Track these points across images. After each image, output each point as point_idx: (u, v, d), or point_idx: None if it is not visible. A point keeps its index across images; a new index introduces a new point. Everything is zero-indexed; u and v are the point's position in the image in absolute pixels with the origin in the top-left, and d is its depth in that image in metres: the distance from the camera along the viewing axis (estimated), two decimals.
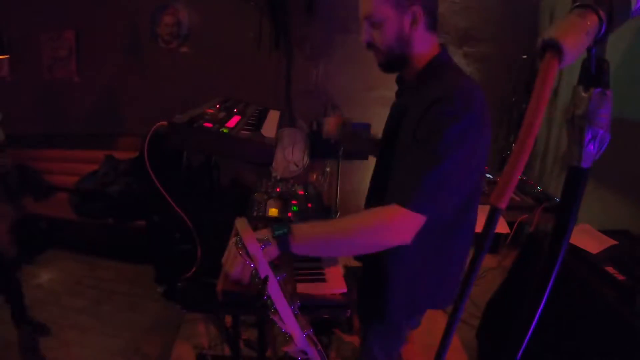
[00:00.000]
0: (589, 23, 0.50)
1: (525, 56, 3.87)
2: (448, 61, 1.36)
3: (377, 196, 1.55)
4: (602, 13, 0.50)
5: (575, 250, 2.11)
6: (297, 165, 3.21)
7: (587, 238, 2.23)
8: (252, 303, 0.91)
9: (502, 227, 2.77)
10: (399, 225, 1.13)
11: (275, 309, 0.83)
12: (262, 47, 4.07)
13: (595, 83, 0.55)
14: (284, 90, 4.14)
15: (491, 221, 0.57)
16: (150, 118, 1.40)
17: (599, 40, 0.53)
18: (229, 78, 3.96)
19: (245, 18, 4.01)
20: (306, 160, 3.36)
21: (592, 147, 0.56)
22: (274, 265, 1.02)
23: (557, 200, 3.02)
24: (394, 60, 1.34)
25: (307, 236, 1.17)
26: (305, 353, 0.89)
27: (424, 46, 1.31)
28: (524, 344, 0.65)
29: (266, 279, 0.80)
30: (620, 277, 1.88)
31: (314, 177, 3.78)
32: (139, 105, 4.23)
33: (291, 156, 3.27)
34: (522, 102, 3.99)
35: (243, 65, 4.05)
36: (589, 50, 0.54)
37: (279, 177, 2.41)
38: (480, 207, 1.39)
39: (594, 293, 1.87)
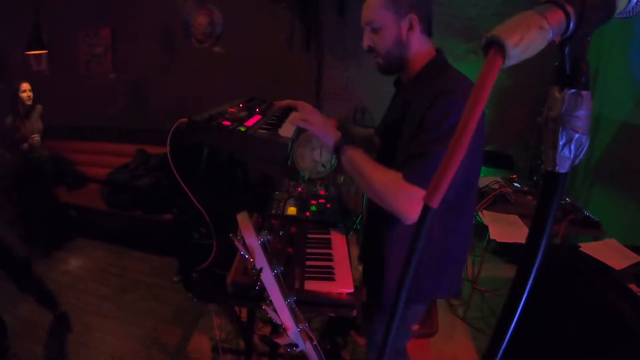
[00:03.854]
0: (548, 19, 0.48)
1: (557, 63, 3.77)
2: (445, 62, 1.46)
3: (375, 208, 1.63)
4: (570, 9, 0.48)
5: (599, 265, 2.06)
6: (324, 167, 3.22)
7: (611, 253, 2.17)
8: (245, 292, 0.93)
9: (524, 237, 2.72)
10: (411, 197, 1.22)
11: (270, 301, 0.85)
12: (294, 48, 4.11)
13: (570, 83, 0.53)
14: (314, 91, 4.16)
15: (422, 221, 0.56)
16: (182, 115, 1.45)
17: (570, 38, 0.51)
18: (260, 78, 4.01)
19: (277, 19, 4.06)
20: (334, 162, 3.37)
21: (567, 151, 0.54)
22: (283, 259, 1.04)
23: (586, 212, 2.95)
24: (393, 63, 1.46)
25: (354, 156, 1.38)
26: (296, 346, 0.90)
27: (420, 50, 1.43)
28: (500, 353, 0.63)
29: (260, 269, 0.82)
30: None
31: (342, 179, 3.79)
32: (171, 102, 4.34)
33: (319, 157, 3.28)
34: None
35: (274, 66, 4.09)
36: (560, 48, 0.52)
37: (307, 178, 2.44)
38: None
39: (611, 309, 1.82)
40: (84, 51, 4.49)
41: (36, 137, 3.61)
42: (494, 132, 3.99)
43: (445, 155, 0.50)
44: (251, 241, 0.81)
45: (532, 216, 0.58)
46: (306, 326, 0.88)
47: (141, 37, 4.35)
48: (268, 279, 0.82)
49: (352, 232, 3.94)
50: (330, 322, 2.62)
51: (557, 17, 0.49)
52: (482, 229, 2.93)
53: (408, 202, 1.22)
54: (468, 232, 1.57)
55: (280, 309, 0.84)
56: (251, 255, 0.81)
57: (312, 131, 1.47)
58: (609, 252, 2.15)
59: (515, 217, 2.96)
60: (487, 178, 3.36)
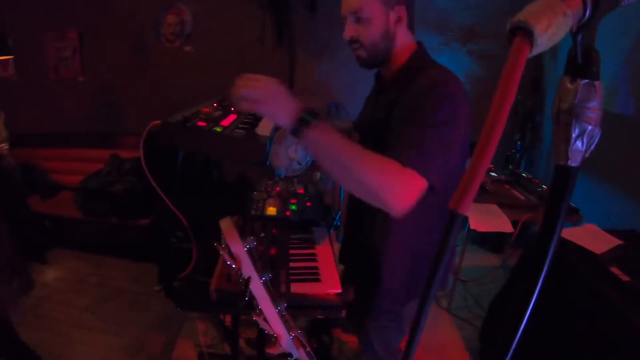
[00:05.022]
0: (568, 5, 0.46)
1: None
2: (427, 55, 1.43)
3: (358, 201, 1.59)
4: None
5: (580, 250, 2.08)
6: (300, 164, 3.18)
7: (592, 238, 2.20)
8: (235, 304, 0.90)
9: (505, 226, 2.75)
10: (409, 186, 1.13)
11: (260, 310, 0.82)
12: (265, 44, 4.07)
13: (582, 74, 0.51)
14: (287, 88, 4.12)
15: (450, 229, 0.52)
16: (154, 117, 1.39)
17: (584, 26, 0.49)
18: (232, 76, 3.93)
19: (248, 16, 4.01)
20: (309, 159, 3.34)
21: (580, 144, 0.52)
22: (266, 262, 1.01)
23: None
24: (376, 56, 1.39)
25: (324, 137, 1.14)
26: (290, 355, 0.87)
27: (403, 43, 1.39)
28: (514, 344, 0.62)
29: (249, 279, 0.79)
30: (625, 278, 1.84)
31: (318, 176, 3.77)
32: (143, 104, 4.25)
33: (294, 154, 3.25)
34: (527, 99, 3.95)
35: (246, 63, 4.02)
36: (574, 36, 0.50)
37: (282, 176, 2.40)
38: None
39: (597, 293, 1.84)
40: (52, 55, 4.35)
41: (5, 146, 3.48)
42: None
43: (474, 156, 0.47)
44: (237, 249, 0.78)
45: (544, 212, 0.56)
46: (299, 333, 0.85)
47: (109, 39, 4.23)
48: (257, 288, 0.78)
49: (332, 229, 3.92)
50: (314, 320, 2.60)
51: (576, 3, 0.47)
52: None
53: (405, 190, 1.13)
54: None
55: (272, 318, 0.81)
56: (238, 264, 0.78)
57: (255, 111, 1.17)
58: (588, 237, 2.18)
59: (494, 207, 2.98)
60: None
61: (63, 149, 4.35)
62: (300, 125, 1.12)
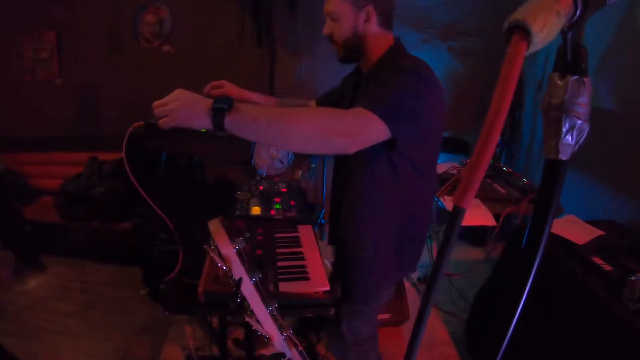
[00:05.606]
0: (561, 4, 0.48)
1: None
2: (403, 49, 1.52)
3: (339, 189, 1.70)
4: None
5: (562, 241, 2.12)
6: (282, 163, 3.19)
7: (573, 229, 2.24)
8: (225, 305, 0.89)
9: (488, 219, 2.78)
10: (360, 122, 1.21)
11: (252, 311, 0.82)
12: (245, 43, 4.04)
13: (572, 70, 0.53)
14: (268, 86, 4.11)
15: (454, 222, 0.53)
16: (135, 118, 1.38)
17: (574, 24, 0.51)
18: (212, 76, 3.90)
19: (227, 15, 3.98)
20: (291, 157, 3.34)
21: (569, 138, 0.54)
22: (251, 265, 1.01)
23: None
24: (350, 52, 1.51)
25: (245, 115, 1.14)
26: (284, 356, 0.87)
27: (377, 40, 1.49)
28: (507, 338, 0.63)
29: (240, 280, 0.78)
30: (607, 268, 1.88)
31: (299, 174, 3.77)
32: (123, 106, 4.18)
33: (276, 153, 3.24)
34: None
35: (225, 63, 4.01)
36: (564, 34, 0.52)
37: (264, 175, 2.40)
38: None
39: (580, 284, 1.88)
40: (29, 57, 4.25)
41: None
42: (448, 118, 4.04)
43: (475, 151, 0.49)
44: (227, 251, 0.78)
45: (534, 204, 0.57)
46: (290, 333, 0.85)
47: (88, 40, 4.15)
48: (248, 289, 0.78)
49: (317, 227, 3.93)
50: (301, 320, 2.60)
51: (568, 2, 0.49)
52: (445, 214, 2.98)
53: (368, 132, 1.22)
54: (428, 208, 1.63)
55: (264, 319, 0.81)
56: (228, 266, 0.78)
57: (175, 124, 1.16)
58: (570, 228, 2.22)
59: (477, 200, 3.01)
60: (445, 164, 3.41)
61: (41, 153, 4.26)
62: (217, 117, 1.11)
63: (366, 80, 1.54)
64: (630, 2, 2.57)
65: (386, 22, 1.49)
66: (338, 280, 1.69)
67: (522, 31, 0.46)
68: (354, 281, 1.63)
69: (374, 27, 1.47)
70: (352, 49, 1.50)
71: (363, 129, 1.21)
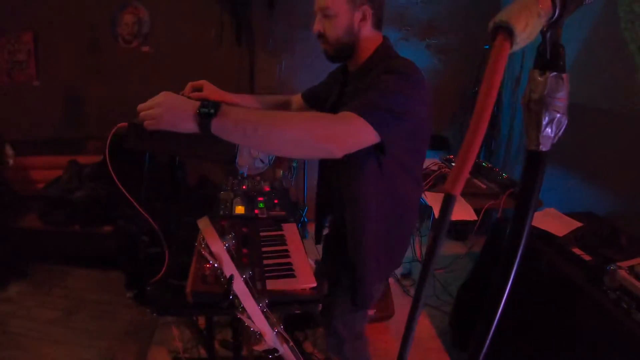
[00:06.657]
0: (541, 6, 0.51)
1: (488, 47, 3.93)
2: (391, 49, 1.52)
3: (325, 189, 1.73)
4: None
5: (542, 233, 2.17)
6: (263, 162, 3.18)
7: (553, 221, 2.29)
8: (219, 303, 0.90)
9: (469, 214, 2.82)
10: (348, 128, 1.21)
11: (243, 308, 0.82)
12: (224, 43, 4.03)
13: (550, 67, 0.56)
14: (248, 85, 4.10)
15: (446, 209, 0.56)
16: (114, 120, 1.36)
17: (553, 24, 0.54)
18: (192, 76, 3.87)
19: (206, 15, 3.96)
20: (272, 156, 3.34)
21: (549, 130, 0.57)
22: (241, 263, 1.02)
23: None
24: (341, 50, 1.49)
25: (232, 119, 1.12)
26: (276, 351, 0.88)
27: (369, 39, 1.48)
28: (492, 329, 0.65)
29: (231, 278, 0.79)
30: (587, 258, 1.94)
31: (281, 172, 3.77)
32: (102, 107, 4.14)
33: (257, 152, 3.24)
34: None
35: (205, 63, 3.99)
36: (543, 34, 0.55)
37: (245, 175, 2.40)
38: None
39: (562, 275, 1.93)
40: (5, 59, 4.16)
41: None
42: None
43: (464, 143, 0.50)
44: (217, 248, 0.78)
45: (517, 195, 0.60)
46: (282, 329, 0.87)
47: (65, 41, 4.08)
48: (240, 286, 0.79)
49: (300, 225, 3.93)
50: (287, 317, 2.61)
51: (548, 4, 0.52)
52: (427, 210, 3.02)
53: (356, 137, 1.22)
54: (415, 205, 1.69)
55: (255, 315, 0.82)
56: (219, 263, 0.79)
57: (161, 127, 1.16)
58: (549, 221, 2.28)
59: (457, 196, 3.06)
60: (425, 160, 3.45)
61: (19, 157, 4.17)
62: (203, 122, 1.11)
63: (354, 80, 1.54)
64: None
65: (380, 21, 1.50)
66: (324, 277, 1.70)
67: (506, 31, 0.49)
68: (351, 280, 1.64)
69: (368, 27, 1.46)
70: (344, 48, 1.48)
71: (351, 134, 1.21)
